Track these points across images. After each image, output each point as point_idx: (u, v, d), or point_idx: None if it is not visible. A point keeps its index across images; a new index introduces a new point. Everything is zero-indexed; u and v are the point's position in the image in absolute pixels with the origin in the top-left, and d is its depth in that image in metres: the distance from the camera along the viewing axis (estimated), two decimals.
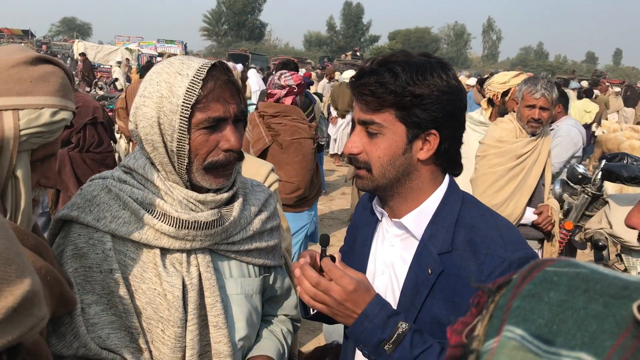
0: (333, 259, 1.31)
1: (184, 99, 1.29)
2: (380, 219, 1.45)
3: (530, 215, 3.42)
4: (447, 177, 1.37)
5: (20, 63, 1.08)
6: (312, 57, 59.89)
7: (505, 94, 4.23)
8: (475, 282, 1.07)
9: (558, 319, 0.42)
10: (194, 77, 1.31)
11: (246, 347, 1.53)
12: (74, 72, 8.77)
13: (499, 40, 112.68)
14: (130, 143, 7.36)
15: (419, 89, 1.23)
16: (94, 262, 1.34)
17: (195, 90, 1.30)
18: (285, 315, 1.72)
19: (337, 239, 6.98)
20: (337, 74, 15.50)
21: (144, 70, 8.64)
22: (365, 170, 1.32)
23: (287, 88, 3.92)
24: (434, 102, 1.24)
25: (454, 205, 1.32)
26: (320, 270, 1.29)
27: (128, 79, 17.66)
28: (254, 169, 2.20)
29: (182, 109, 1.29)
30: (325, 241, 1.38)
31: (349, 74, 12.17)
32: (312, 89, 10.28)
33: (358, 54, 30.75)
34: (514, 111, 3.55)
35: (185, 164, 1.35)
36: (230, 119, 1.36)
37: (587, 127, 12.09)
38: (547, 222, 3.41)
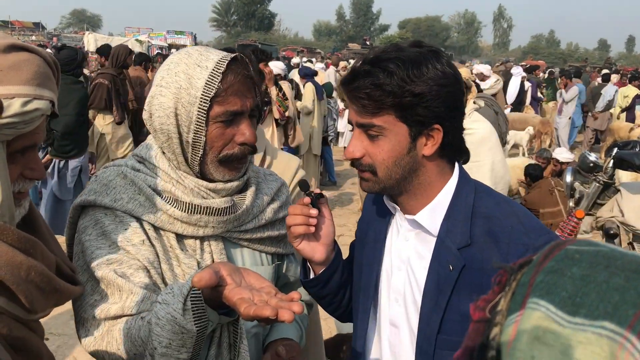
0: (321, 195, 1.37)
1: (203, 92, 1.30)
2: (393, 212, 1.40)
3: None
4: (456, 166, 1.32)
5: None
6: (321, 46, 59.71)
7: None
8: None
9: (581, 292, 0.44)
10: (213, 69, 1.31)
11: (260, 334, 1.55)
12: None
13: (510, 28, 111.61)
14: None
15: (418, 86, 1.17)
16: (125, 236, 1.35)
17: (214, 83, 1.30)
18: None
19: (348, 228, 7.00)
20: (343, 63, 15.27)
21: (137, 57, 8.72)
22: (370, 173, 1.28)
23: None
24: (434, 98, 1.19)
25: (467, 196, 1.27)
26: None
27: None
28: (283, 162, 2.20)
29: (201, 102, 1.30)
30: (305, 186, 1.39)
31: None
32: (320, 79, 10.18)
33: (368, 43, 30.56)
34: None
35: (200, 155, 1.36)
36: (247, 113, 1.37)
37: (625, 110, 12.85)
38: None
